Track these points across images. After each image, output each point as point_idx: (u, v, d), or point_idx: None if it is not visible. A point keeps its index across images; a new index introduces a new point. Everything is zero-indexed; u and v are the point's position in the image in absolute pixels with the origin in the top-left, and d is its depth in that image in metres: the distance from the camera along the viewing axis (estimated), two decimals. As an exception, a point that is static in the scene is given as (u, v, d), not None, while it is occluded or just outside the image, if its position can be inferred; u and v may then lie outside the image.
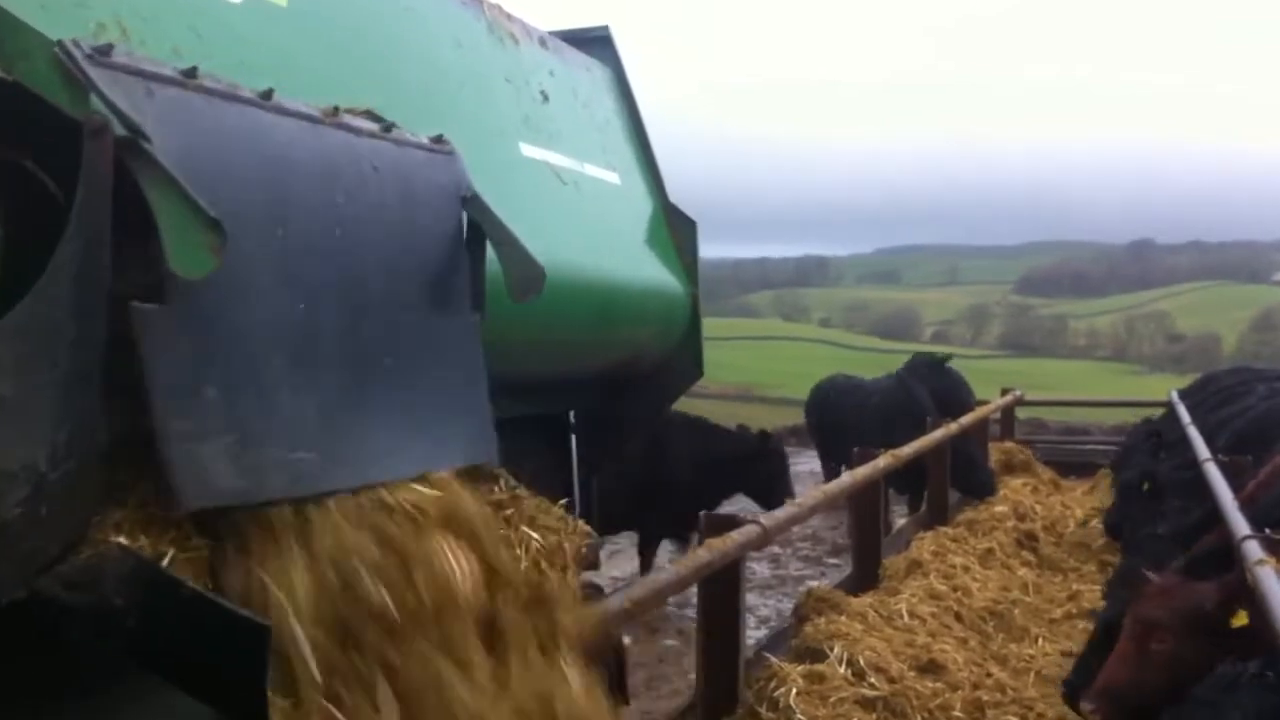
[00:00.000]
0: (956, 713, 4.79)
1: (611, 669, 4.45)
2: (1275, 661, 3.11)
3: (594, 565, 5.90)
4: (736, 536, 4.72)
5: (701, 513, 5.11)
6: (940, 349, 15.83)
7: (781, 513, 5.40)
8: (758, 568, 10.89)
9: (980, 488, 10.12)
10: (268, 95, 2.28)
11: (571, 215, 4.77)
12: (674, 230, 6.09)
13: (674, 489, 9.74)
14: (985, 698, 5.04)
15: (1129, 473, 8.69)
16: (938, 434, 9.22)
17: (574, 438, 5.75)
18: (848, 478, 6.75)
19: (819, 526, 12.48)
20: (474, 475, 2.70)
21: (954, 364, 13.18)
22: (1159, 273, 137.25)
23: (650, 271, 5.61)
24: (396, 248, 2.53)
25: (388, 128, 2.65)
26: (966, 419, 10.49)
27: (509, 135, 4.50)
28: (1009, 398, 13.74)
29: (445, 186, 2.78)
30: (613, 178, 5.51)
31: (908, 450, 8.01)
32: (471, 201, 2.82)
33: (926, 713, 4.68)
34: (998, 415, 13.10)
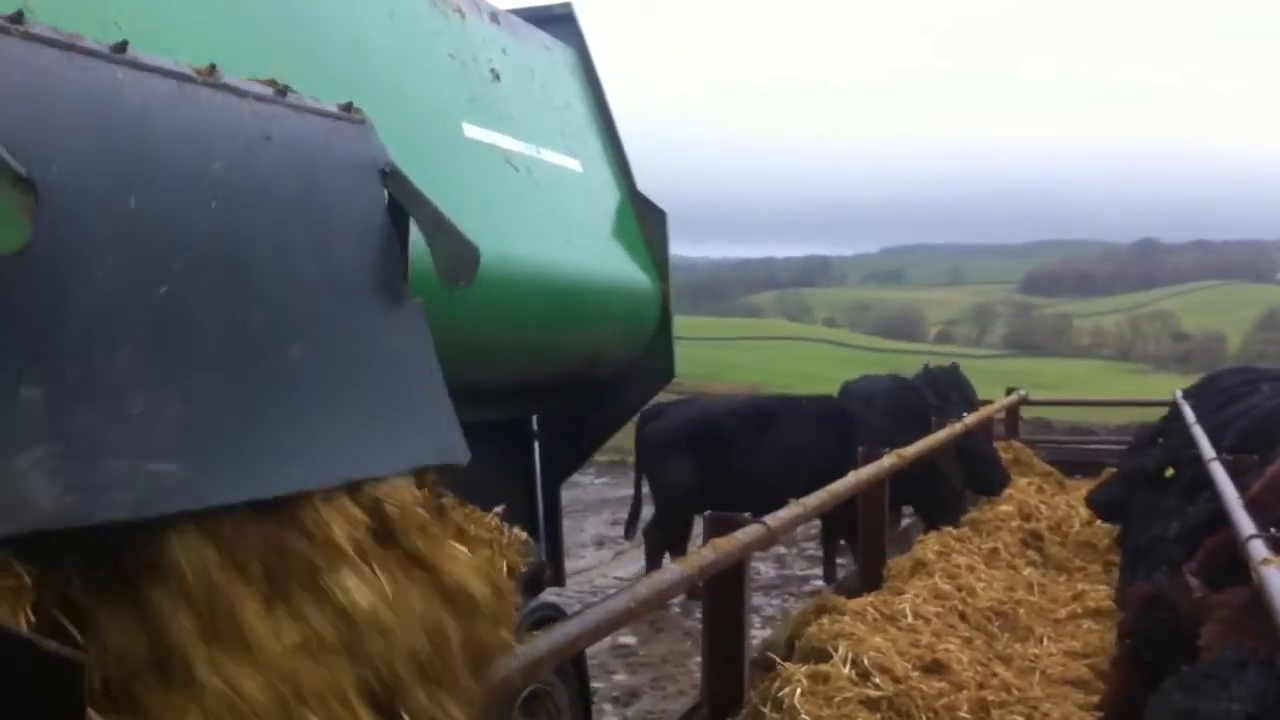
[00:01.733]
0: (962, 713, 4.77)
1: (572, 685, 4.42)
2: None
3: (556, 582, 5.72)
4: (741, 536, 4.72)
5: (706, 513, 5.09)
6: (944, 349, 15.83)
7: (786, 513, 5.39)
8: (763, 568, 10.88)
9: (998, 486, 10.12)
10: (121, 48, 1.98)
11: (524, 203, 4.45)
12: (642, 222, 5.68)
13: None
14: (990, 698, 5.03)
15: (1142, 459, 8.69)
16: (943, 434, 9.21)
17: (536, 444, 5.47)
18: (853, 478, 6.74)
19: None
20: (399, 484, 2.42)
21: (958, 364, 13.18)
22: (1164, 272, 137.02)
23: (615, 266, 5.22)
24: (297, 227, 2.23)
25: (281, 91, 2.33)
26: (971, 418, 10.48)
27: (450, 115, 4.14)
28: (1014, 397, 13.72)
29: (357, 159, 2.48)
30: (573, 165, 5.12)
31: (913, 450, 8.00)
32: (391, 177, 2.54)
33: (931, 713, 4.66)
34: (1002, 415, 13.09)
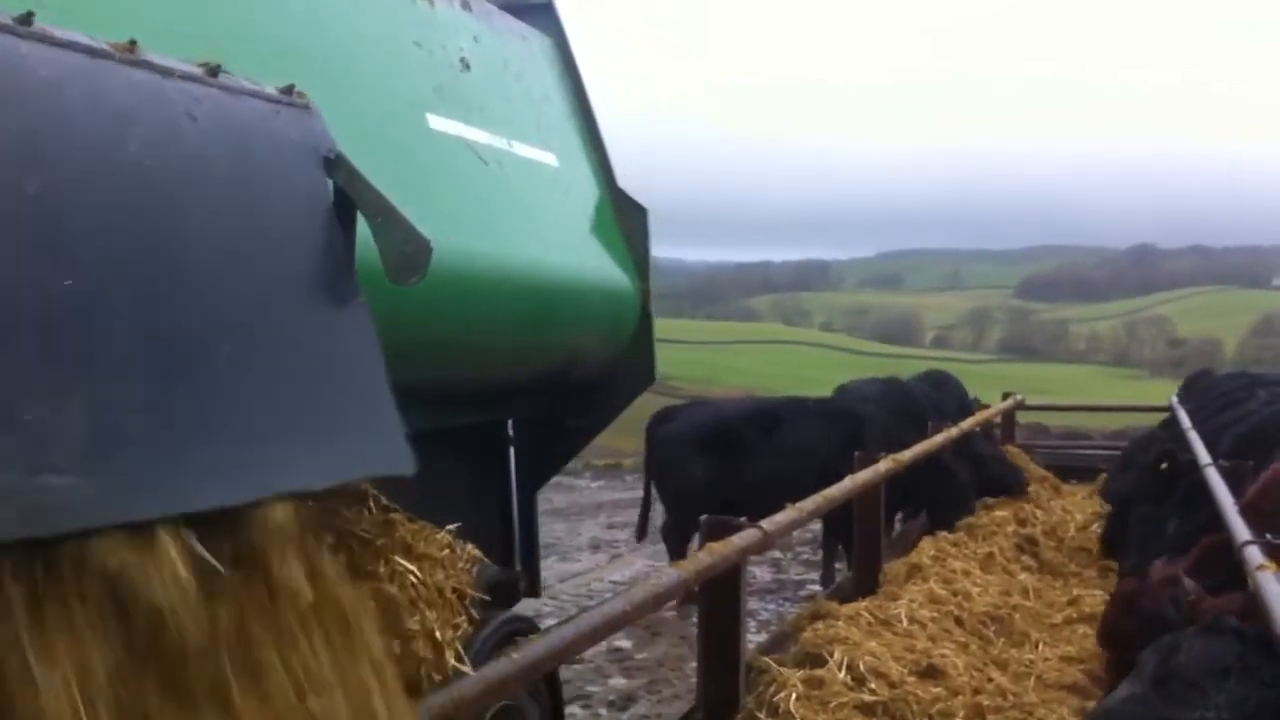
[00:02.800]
0: (957, 718, 4.77)
1: (543, 702, 4.37)
2: (1273, 657, 3.11)
3: (532, 592, 5.63)
4: (737, 541, 4.71)
5: (702, 516, 5.09)
6: (941, 354, 15.89)
7: (782, 517, 5.39)
8: (758, 572, 10.88)
9: (1017, 486, 10.16)
10: (26, 20, 1.82)
11: (494, 198, 4.27)
12: (622, 219, 5.44)
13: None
14: (986, 703, 5.02)
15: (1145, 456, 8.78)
16: (939, 438, 9.21)
17: (512, 450, 5.32)
18: (849, 482, 6.74)
19: (820, 531, 12.47)
20: (342, 497, 2.28)
21: (955, 369, 13.21)
22: (1160, 277, 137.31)
23: (592, 264, 5.01)
24: (227, 216, 2.06)
25: (213, 70, 2.16)
26: (968, 422, 10.49)
27: (414, 105, 3.95)
28: (1010, 402, 13.74)
29: (297, 145, 2.31)
30: (549, 159, 4.91)
31: (909, 454, 8.00)
32: (336, 165, 2.36)
33: (927, 718, 4.66)
34: (999, 419, 13.11)
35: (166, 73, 2.04)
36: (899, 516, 10.35)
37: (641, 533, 10.49)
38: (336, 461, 2.16)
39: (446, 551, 2.40)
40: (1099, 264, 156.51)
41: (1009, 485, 10.09)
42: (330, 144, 2.37)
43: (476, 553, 2.45)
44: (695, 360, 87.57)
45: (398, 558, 2.26)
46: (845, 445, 8.70)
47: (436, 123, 4.03)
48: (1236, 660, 3.12)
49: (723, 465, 9.65)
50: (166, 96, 2.01)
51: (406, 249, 2.35)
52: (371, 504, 2.35)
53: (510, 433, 5.33)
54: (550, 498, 16.42)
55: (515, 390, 4.91)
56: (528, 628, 3.98)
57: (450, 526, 2.48)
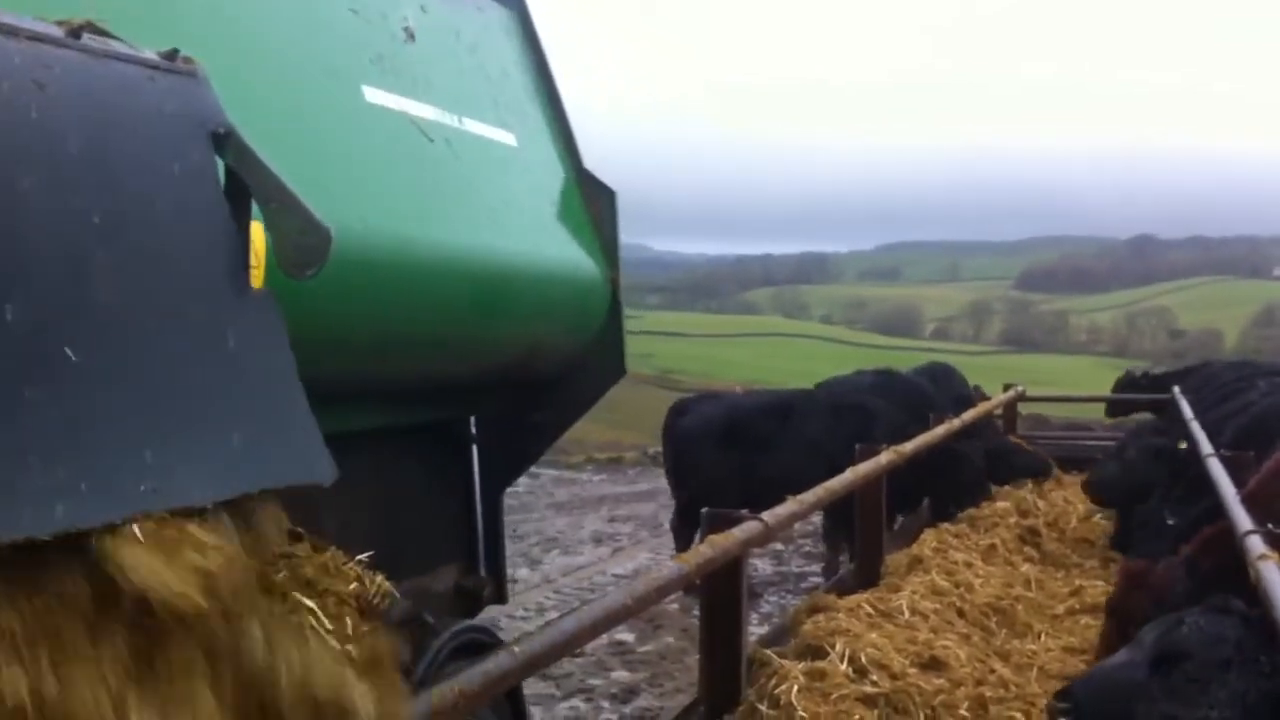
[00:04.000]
0: (960, 710, 4.77)
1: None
2: (1274, 649, 3.11)
3: (498, 599, 5.25)
4: (738, 533, 4.71)
5: (703, 510, 5.08)
6: (941, 345, 15.92)
7: (783, 509, 5.38)
8: (760, 564, 10.88)
9: (1045, 471, 10.21)
10: None
11: (440, 179, 4.01)
12: (589, 203, 5.16)
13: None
14: (988, 694, 5.02)
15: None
16: (940, 430, 9.20)
17: (475, 448, 5.12)
18: (850, 474, 6.73)
19: (821, 523, 12.48)
20: (235, 518, 1.99)
21: (955, 360, 13.22)
22: (1160, 268, 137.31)
23: (554, 250, 4.74)
24: (85, 197, 1.81)
25: (76, 31, 1.90)
26: (970, 414, 10.49)
27: (347, 76, 3.66)
28: (1011, 393, 13.73)
29: (178, 118, 2.05)
30: (506, 138, 4.64)
31: (910, 446, 8.00)
32: (227, 141, 2.10)
33: (929, 710, 4.66)
34: (1000, 411, 13.10)
35: (10, 32, 1.77)
36: (925, 503, 10.30)
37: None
38: (235, 471, 1.89)
39: (355, 585, 2.10)
40: (1099, 255, 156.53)
41: (1035, 472, 10.14)
42: (219, 117, 2.11)
43: (389, 587, 2.19)
44: (695, 353, 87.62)
45: (299, 595, 1.95)
46: (861, 439, 8.74)
47: (374, 96, 3.74)
48: (1236, 651, 3.12)
49: (741, 458, 9.71)
50: (9, 60, 1.74)
51: (304, 239, 2.11)
52: (276, 525, 1.99)
53: (473, 430, 5.10)
54: (552, 491, 16.43)
55: (474, 385, 4.65)
56: (486, 639, 3.79)
57: (361, 556, 2.22)
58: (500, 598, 5.41)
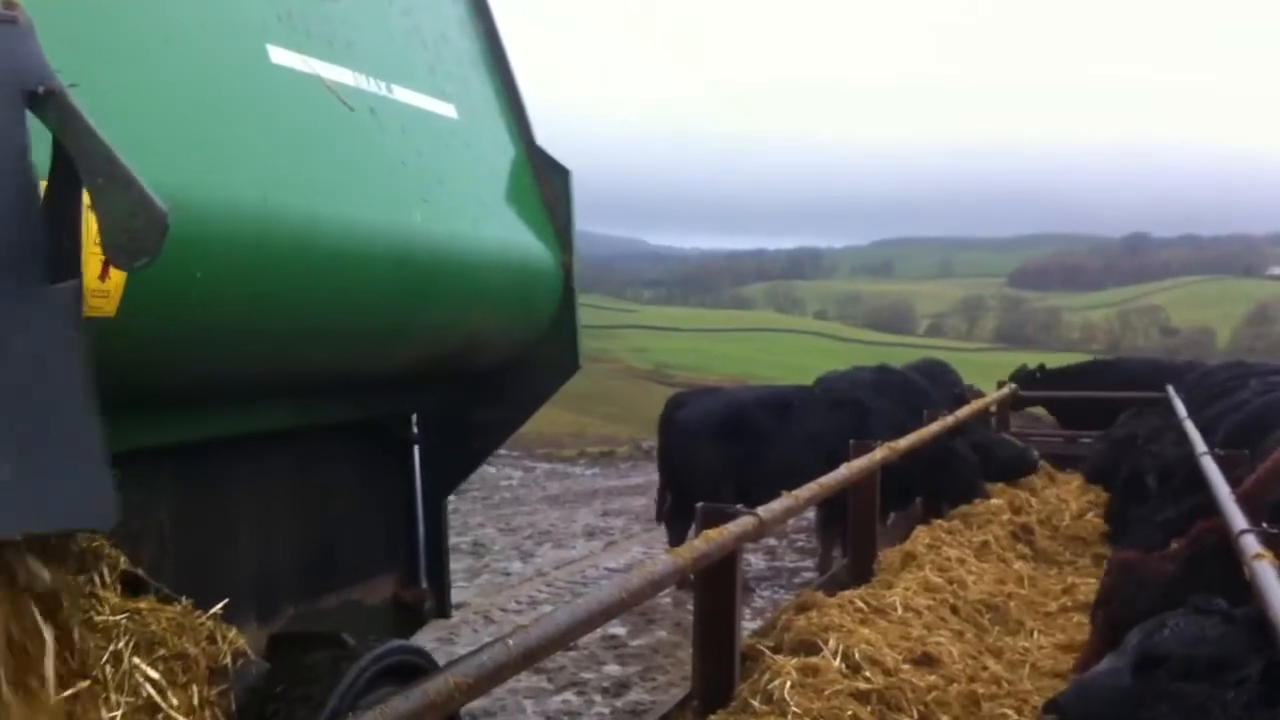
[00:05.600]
0: (952, 706, 4.77)
1: None
2: (1260, 648, 3.10)
3: (440, 613, 4.79)
4: (732, 528, 4.70)
5: (698, 504, 5.07)
6: (934, 342, 15.96)
7: (778, 505, 5.38)
8: (754, 559, 10.88)
9: (1031, 465, 10.22)
10: None
11: (362, 152, 3.64)
12: (541, 183, 4.77)
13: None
14: (981, 691, 5.02)
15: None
16: (934, 426, 9.21)
17: (416, 448, 4.75)
18: (844, 470, 6.73)
19: (814, 518, 12.49)
20: (60, 561, 1.73)
21: (948, 357, 13.25)
22: (1153, 266, 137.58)
23: (496, 232, 4.35)
24: None
25: None
26: (963, 411, 10.49)
27: (249, 34, 3.28)
28: (1004, 391, 13.76)
29: None
30: (445, 110, 4.28)
31: (905, 443, 8.00)
32: (49, 103, 1.80)
33: (922, 706, 4.66)
34: (994, 408, 13.12)
35: None
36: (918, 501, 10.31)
37: (661, 514, 10.64)
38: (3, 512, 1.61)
39: (206, 641, 1.86)
40: (1092, 252, 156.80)
41: (1023, 466, 10.14)
42: (42, 73, 1.82)
43: (243, 644, 1.97)
44: (688, 348, 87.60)
45: (136, 660, 1.69)
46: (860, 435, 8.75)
47: (281, 56, 3.36)
48: (1216, 652, 3.12)
49: (739, 452, 9.71)
50: None
51: (133, 223, 1.77)
52: (102, 576, 1.76)
53: (414, 429, 4.72)
54: (545, 485, 16.42)
55: (408, 379, 4.30)
56: (418, 661, 3.47)
57: (216, 608, 1.98)
58: (443, 612, 5.00)
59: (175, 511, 3.36)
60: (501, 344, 4.55)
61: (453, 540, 12.07)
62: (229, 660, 1.93)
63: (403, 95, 3.96)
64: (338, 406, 4.03)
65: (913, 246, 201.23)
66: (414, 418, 4.69)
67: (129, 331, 2.42)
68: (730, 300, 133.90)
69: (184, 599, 1.98)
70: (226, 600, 2.07)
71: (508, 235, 4.43)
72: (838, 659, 4.77)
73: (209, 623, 1.97)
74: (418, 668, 3.33)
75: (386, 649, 3.30)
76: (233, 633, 2.01)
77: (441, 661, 3.22)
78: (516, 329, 4.59)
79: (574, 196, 4.84)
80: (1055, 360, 18.42)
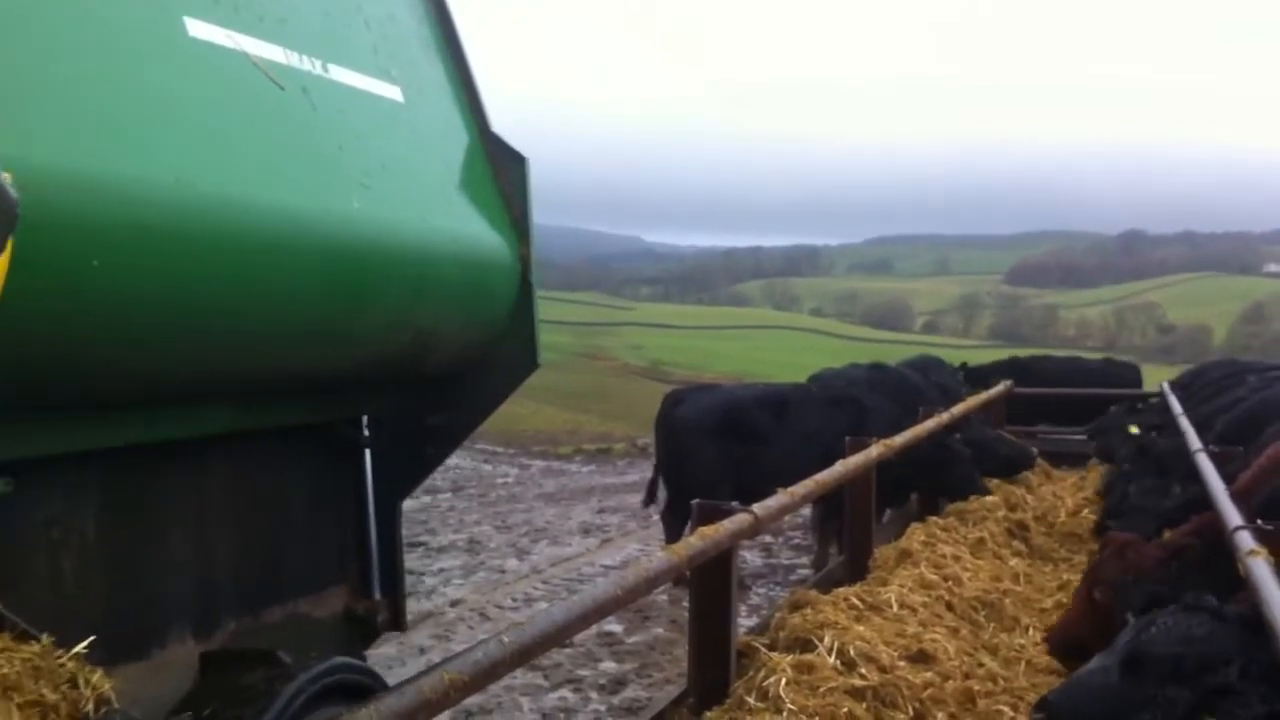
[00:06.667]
0: (947, 703, 4.78)
1: None
2: (1249, 646, 3.11)
3: (395, 625, 4.51)
4: (728, 525, 4.71)
5: (694, 501, 5.07)
6: (932, 339, 15.96)
7: (773, 502, 5.38)
8: (749, 556, 10.89)
9: (1026, 462, 10.24)
10: None
11: (293, 135, 3.42)
12: (496, 171, 4.56)
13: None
14: (976, 687, 5.03)
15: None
16: (930, 423, 9.21)
17: (368, 452, 4.57)
18: (840, 467, 6.73)
19: (809, 515, 12.50)
20: None
21: (945, 354, 13.26)
22: (1150, 264, 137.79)
23: (446, 223, 4.11)
24: None
25: None
26: (960, 408, 10.51)
27: (165, 5, 3.07)
28: (1001, 387, 13.77)
29: None
30: (390, 92, 4.06)
31: (900, 439, 8.01)
32: None
33: (917, 703, 4.66)
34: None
35: None
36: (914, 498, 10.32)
37: (650, 498, 10.66)
38: None
39: (66, 689, 1.71)
40: (1089, 250, 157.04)
41: (1018, 463, 10.14)
42: None
43: (107, 688, 1.80)
44: (685, 346, 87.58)
45: None
46: (857, 432, 8.75)
47: (200, 30, 3.14)
48: (1203, 651, 3.13)
49: (737, 449, 9.71)
50: None
51: None
52: None
53: (365, 432, 4.53)
54: (541, 482, 16.42)
55: (355, 379, 4.07)
56: (362, 680, 3.27)
57: (80, 646, 1.82)
58: (397, 624, 4.78)
59: (101, 520, 3.20)
60: (455, 340, 4.33)
61: (450, 537, 12.08)
62: (91, 708, 1.78)
63: (341, 75, 3.75)
64: (279, 409, 3.85)
65: (909, 244, 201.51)
66: (364, 420, 4.51)
67: (13, 323, 2.26)
68: (727, 298, 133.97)
69: (44, 637, 1.79)
70: (91, 639, 1.91)
71: (459, 225, 4.21)
72: (833, 656, 4.77)
73: (70, 664, 1.81)
74: (362, 687, 3.13)
75: (325, 668, 3.09)
76: (97, 676, 1.85)
77: (439, 658, 3.17)
78: (471, 324, 4.36)
79: (531, 185, 4.62)
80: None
